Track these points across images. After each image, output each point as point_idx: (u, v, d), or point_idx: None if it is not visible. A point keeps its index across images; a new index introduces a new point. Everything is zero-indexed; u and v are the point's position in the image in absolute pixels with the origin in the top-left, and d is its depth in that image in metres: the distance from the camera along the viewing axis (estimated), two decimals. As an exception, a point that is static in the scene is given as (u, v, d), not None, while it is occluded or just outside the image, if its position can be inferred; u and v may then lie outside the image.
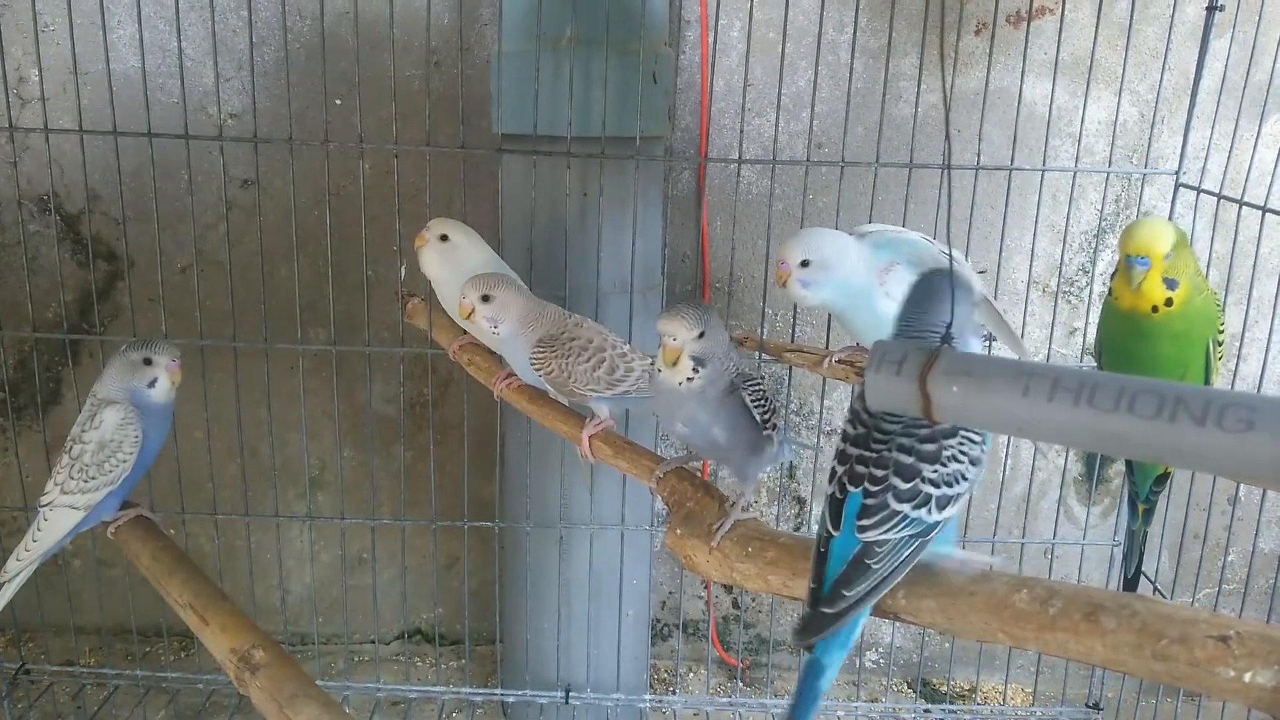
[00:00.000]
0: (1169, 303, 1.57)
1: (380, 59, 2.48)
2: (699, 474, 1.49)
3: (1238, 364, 2.53)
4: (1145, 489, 1.82)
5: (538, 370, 1.73)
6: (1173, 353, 1.62)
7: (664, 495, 1.48)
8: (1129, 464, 1.85)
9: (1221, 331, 1.65)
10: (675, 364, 1.34)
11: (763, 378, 1.47)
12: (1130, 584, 1.93)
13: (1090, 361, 2.67)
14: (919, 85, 2.38)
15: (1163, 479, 1.80)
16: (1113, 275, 1.66)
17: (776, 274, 1.74)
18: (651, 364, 1.50)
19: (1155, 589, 2.45)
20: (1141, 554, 1.90)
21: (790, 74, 2.54)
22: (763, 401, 1.41)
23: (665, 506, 1.47)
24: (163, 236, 2.41)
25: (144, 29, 2.39)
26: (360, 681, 2.70)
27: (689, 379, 1.35)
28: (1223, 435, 0.80)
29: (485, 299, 1.74)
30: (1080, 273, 2.67)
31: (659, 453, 1.70)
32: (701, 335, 1.34)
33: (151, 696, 2.64)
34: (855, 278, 1.72)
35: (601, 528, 2.43)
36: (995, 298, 2.56)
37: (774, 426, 1.43)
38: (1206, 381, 1.65)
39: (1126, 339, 1.67)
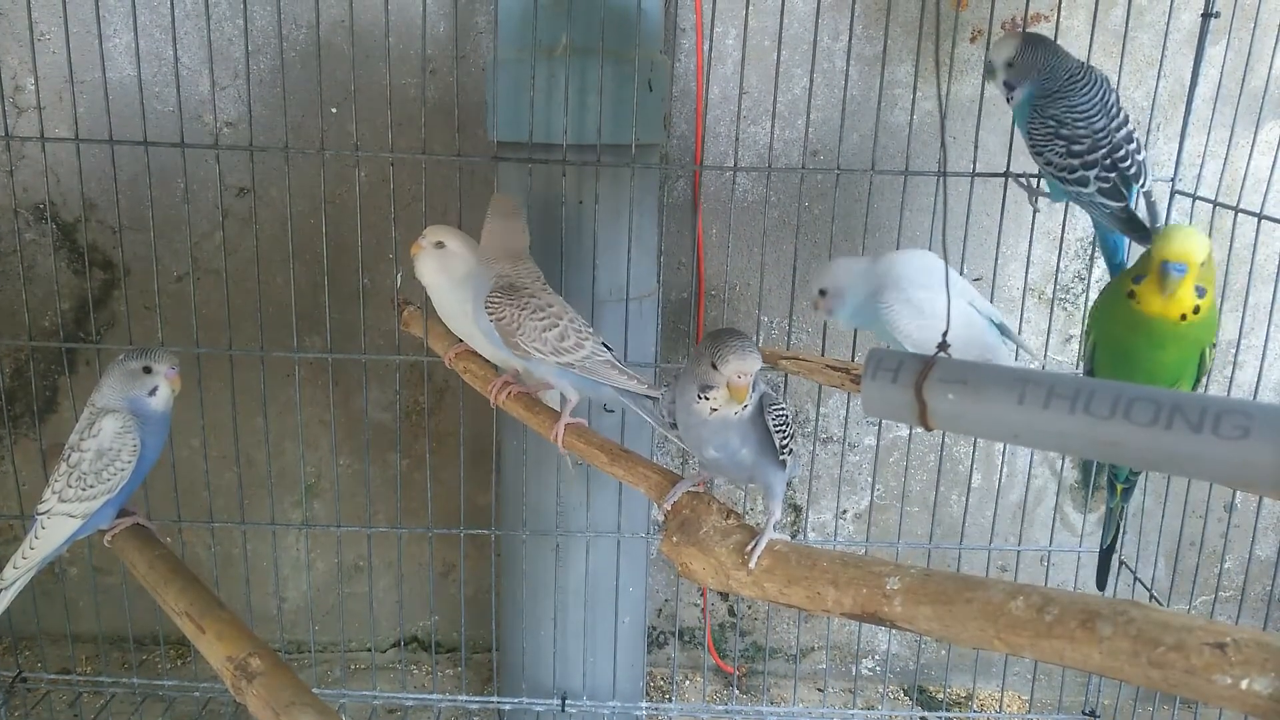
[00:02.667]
0: (1196, 310, 1.57)
1: (376, 67, 2.49)
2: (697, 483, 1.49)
3: (1234, 371, 2.54)
4: (1123, 470, 1.84)
5: (490, 315, 1.74)
6: (1176, 359, 1.63)
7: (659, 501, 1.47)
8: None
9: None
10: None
11: (784, 402, 1.45)
12: (1105, 555, 2.00)
13: (1086, 368, 2.67)
14: (914, 92, 2.38)
15: None
16: (1120, 280, 1.66)
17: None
18: (677, 391, 1.45)
19: (1151, 596, 2.45)
20: (1119, 527, 1.97)
21: (785, 81, 2.54)
22: (784, 426, 1.40)
23: (661, 513, 1.47)
24: (159, 245, 2.42)
25: (140, 37, 2.39)
26: (356, 689, 2.70)
27: (745, 405, 1.34)
28: (1219, 442, 0.80)
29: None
30: (1076, 279, 2.68)
31: (655, 460, 1.70)
32: None
33: (148, 705, 2.64)
34: (864, 301, 1.84)
35: (597, 535, 2.42)
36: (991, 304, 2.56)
37: (790, 451, 1.42)
38: (1195, 386, 1.67)
39: (1138, 344, 1.65)
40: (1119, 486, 1.88)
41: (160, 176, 2.46)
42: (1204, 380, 1.70)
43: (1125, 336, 1.68)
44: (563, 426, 1.72)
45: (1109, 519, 1.95)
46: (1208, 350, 1.64)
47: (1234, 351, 2.55)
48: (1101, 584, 2.03)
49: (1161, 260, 1.55)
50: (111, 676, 2.64)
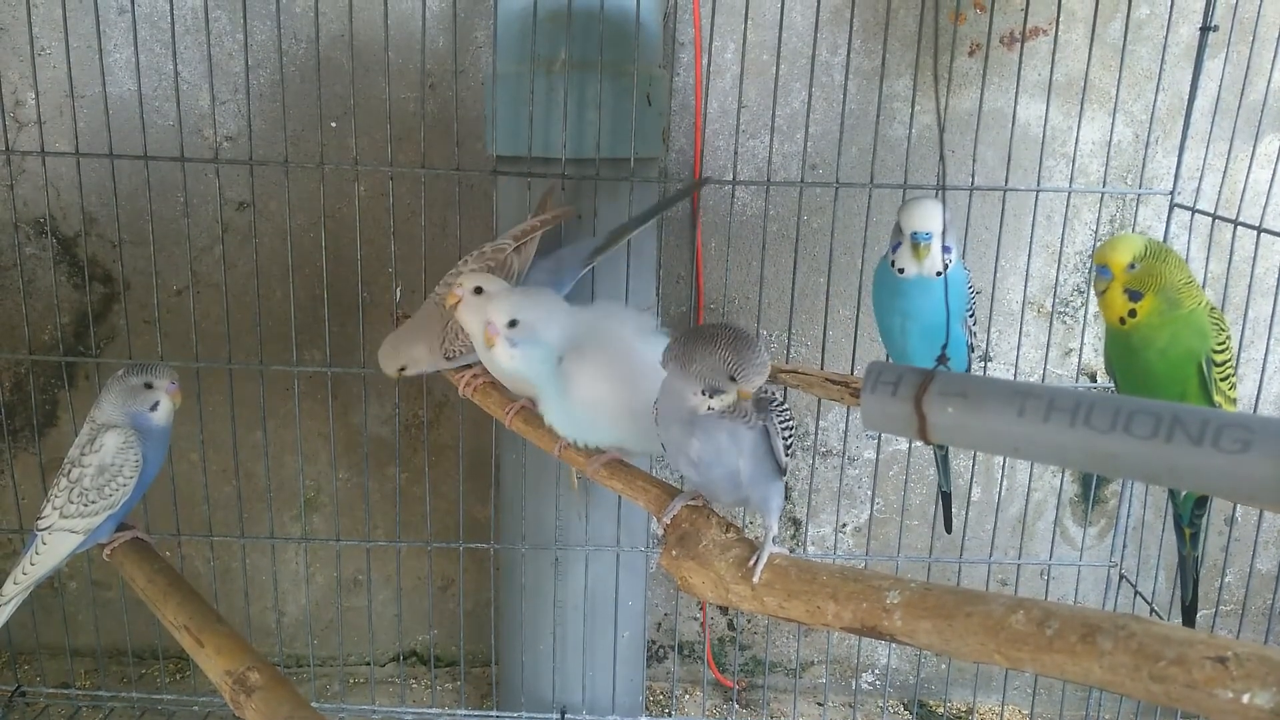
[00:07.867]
0: (1133, 314, 1.59)
1: (375, 81, 2.49)
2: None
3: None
4: (1187, 513, 1.79)
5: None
6: (1163, 368, 1.62)
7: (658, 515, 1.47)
8: (1170, 489, 1.82)
9: (1221, 350, 1.64)
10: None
11: (785, 402, 1.42)
12: (1188, 611, 1.87)
13: (1086, 382, 2.67)
14: (913, 106, 2.39)
15: (1202, 502, 1.78)
16: None
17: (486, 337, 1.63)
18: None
19: (1152, 610, 2.44)
20: (1196, 581, 1.84)
21: (784, 95, 2.55)
22: (789, 431, 1.36)
23: (660, 527, 1.46)
24: (158, 259, 2.42)
25: (140, 52, 2.40)
26: (355, 704, 2.69)
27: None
28: (1219, 456, 0.80)
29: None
30: (1075, 293, 2.68)
31: (653, 474, 1.70)
32: None
33: (147, 718, 2.63)
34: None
35: (597, 549, 2.42)
36: (990, 318, 2.56)
37: (789, 459, 1.40)
38: (1209, 402, 1.65)
39: (1114, 352, 1.70)
40: (1186, 531, 1.79)
41: (160, 191, 2.46)
42: (1220, 395, 1.66)
43: (1109, 350, 1.72)
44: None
45: (1184, 570, 1.83)
46: (1205, 362, 1.63)
47: (1234, 365, 2.56)
48: None
49: (1094, 266, 1.60)
50: (110, 690, 2.63)
